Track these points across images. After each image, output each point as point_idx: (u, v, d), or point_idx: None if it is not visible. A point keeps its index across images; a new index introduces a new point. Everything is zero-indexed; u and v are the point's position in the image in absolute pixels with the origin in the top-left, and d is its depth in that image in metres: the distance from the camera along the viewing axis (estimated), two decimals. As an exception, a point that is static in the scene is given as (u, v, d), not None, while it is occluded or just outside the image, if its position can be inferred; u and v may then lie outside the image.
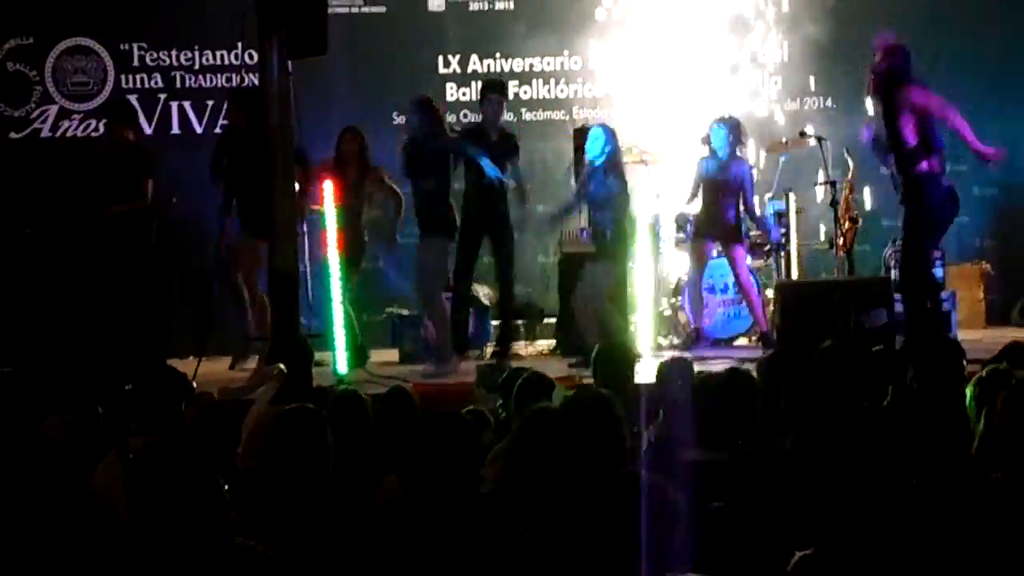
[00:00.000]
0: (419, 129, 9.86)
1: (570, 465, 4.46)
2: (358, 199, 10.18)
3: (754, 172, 10.59)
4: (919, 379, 5.51)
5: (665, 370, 6.58)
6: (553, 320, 11.06)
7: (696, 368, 6.75)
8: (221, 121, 11.52)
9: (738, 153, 10.35)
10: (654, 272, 10.38)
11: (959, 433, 4.86)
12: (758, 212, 10.67)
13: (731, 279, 10.66)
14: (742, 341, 10.74)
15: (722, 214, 10.32)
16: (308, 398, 5.85)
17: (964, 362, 5.72)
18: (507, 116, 11.70)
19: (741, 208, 10.36)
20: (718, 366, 7.37)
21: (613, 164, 9.89)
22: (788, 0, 11.99)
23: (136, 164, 10.00)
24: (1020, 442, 3.99)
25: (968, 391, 4.93)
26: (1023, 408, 4.12)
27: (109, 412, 5.96)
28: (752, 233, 10.99)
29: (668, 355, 8.16)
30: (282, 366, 6.76)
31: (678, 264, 11.07)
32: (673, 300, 10.94)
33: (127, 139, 10.20)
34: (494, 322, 10.88)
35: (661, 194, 10.96)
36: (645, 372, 7.58)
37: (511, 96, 11.95)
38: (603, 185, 9.87)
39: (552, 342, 10.96)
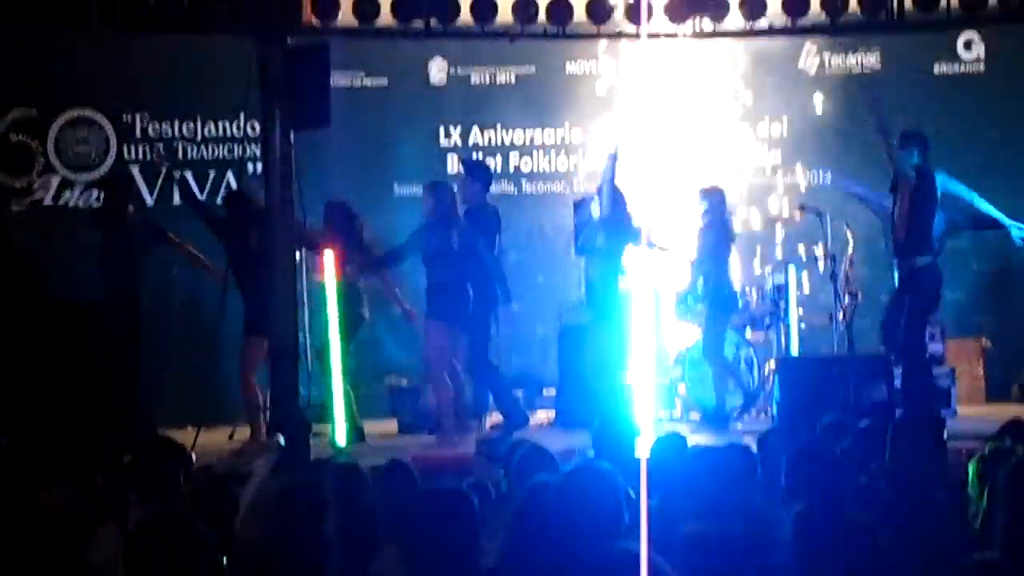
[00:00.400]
0: (432, 215, 9.87)
1: (570, 539, 4.44)
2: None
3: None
4: (895, 454, 5.49)
5: (660, 445, 6.56)
6: (552, 391, 11.04)
7: (698, 441, 6.73)
8: (223, 192, 11.57)
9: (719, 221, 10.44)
10: (654, 343, 10.39)
11: (942, 509, 4.84)
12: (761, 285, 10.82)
13: (730, 352, 10.68)
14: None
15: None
16: (306, 470, 5.82)
17: (944, 436, 5.71)
18: (508, 187, 11.83)
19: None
20: (718, 441, 7.35)
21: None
22: (788, 76, 12.07)
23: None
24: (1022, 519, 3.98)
25: (970, 468, 4.92)
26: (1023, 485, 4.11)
27: (108, 483, 5.94)
28: (752, 307, 11.03)
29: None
30: (281, 437, 6.75)
31: (678, 335, 11.07)
32: (674, 373, 10.93)
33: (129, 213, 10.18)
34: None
35: (660, 264, 11.00)
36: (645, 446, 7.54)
37: (512, 168, 12.04)
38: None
39: (551, 413, 10.94)
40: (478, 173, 10.41)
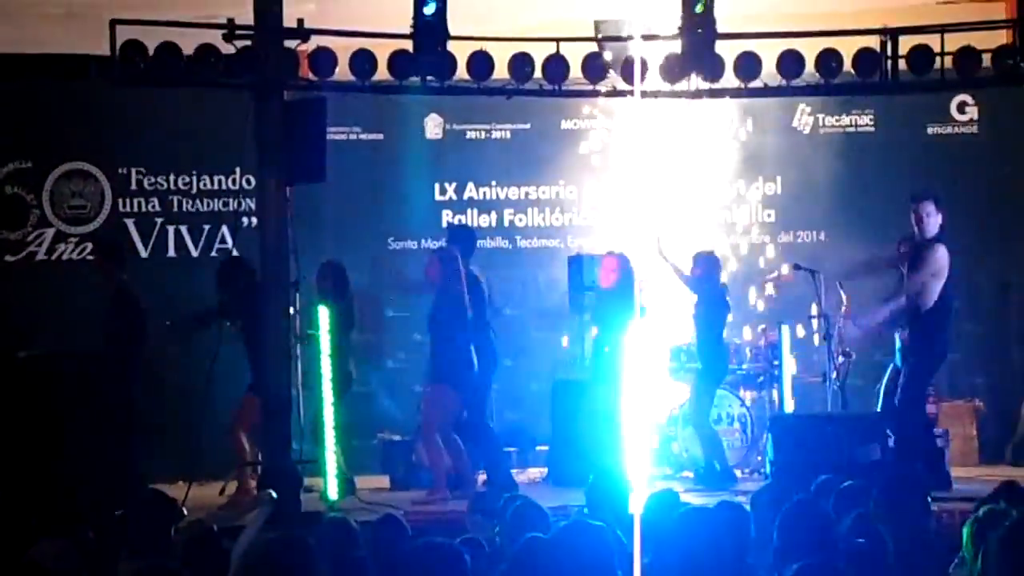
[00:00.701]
0: (440, 279, 9.89)
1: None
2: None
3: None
4: (878, 513, 5.46)
5: (652, 503, 6.54)
6: (545, 448, 11.00)
7: (690, 500, 6.71)
8: (218, 245, 11.58)
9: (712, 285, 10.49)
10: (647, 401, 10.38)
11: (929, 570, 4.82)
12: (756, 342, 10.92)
13: (724, 410, 10.71)
14: (735, 473, 10.69)
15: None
16: (297, 524, 5.80)
17: (928, 498, 5.69)
18: (503, 243, 11.86)
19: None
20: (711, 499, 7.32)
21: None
22: (783, 136, 12.13)
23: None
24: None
25: (965, 531, 4.89)
26: (1018, 548, 4.09)
27: (99, 537, 5.91)
28: (745, 366, 11.03)
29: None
30: (272, 492, 6.71)
31: (671, 394, 11.07)
32: (668, 430, 10.91)
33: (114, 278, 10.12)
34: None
35: (652, 321, 11.01)
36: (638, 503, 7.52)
37: (507, 223, 12.07)
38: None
39: (544, 470, 10.90)
40: (463, 236, 10.41)
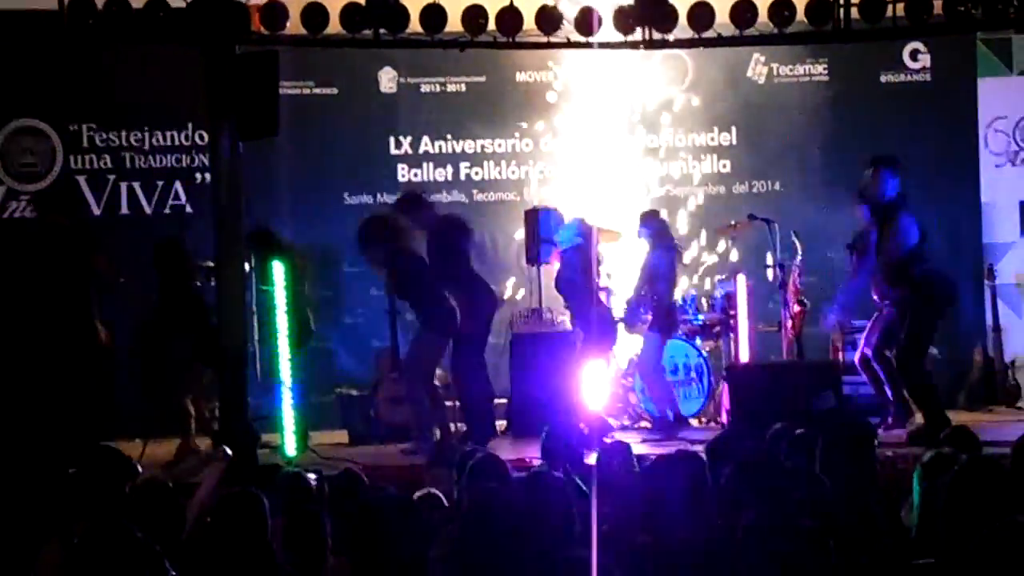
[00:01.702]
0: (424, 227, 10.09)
1: (519, 547, 4.43)
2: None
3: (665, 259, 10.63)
4: (825, 463, 5.50)
5: (606, 454, 6.57)
6: (504, 401, 11.02)
7: (650, 451, 6.75)
8: (171, 202, 11.50)
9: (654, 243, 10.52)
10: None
11: (877, 516, 4.86)
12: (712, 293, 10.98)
13: (681, 360, 10.76)
14: (693, 422, 10.76)
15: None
16: (254, 481, 5.79)
17: (874, 444, 5.73)
18: (459, 197, 11.83)
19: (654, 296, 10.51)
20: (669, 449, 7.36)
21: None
22: (736, 86, 12.13)
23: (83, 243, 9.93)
24: (962, 526, 4.00)
25: (915, 475, 4.93)
26: (964, 493, 4.14)
27: (52, 496, 5.88)
28: (701, 316, 11.08)
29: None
30: (227, 448, 6.70)
31: (626, 345, 11.11)
32: (624, 380, 10.95)
33: (62, 224, 10.05)
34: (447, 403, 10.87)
35: (611, 274, 11.05)
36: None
37: (463, 177, 12.04)
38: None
39: (503, 423, 10.92)
40: (418, 202, 10.40)
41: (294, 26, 9.22)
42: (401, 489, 6.04)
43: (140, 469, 5.83)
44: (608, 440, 7.95)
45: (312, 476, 6.31)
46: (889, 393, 9.95)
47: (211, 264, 9.48)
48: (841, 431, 5.39)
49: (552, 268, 10.86)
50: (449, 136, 12.11)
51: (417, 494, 5.90)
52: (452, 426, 10.25)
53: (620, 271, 11.14)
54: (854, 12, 9.43)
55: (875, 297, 9.92)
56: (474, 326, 10.12)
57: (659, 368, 10.56)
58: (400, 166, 12.07)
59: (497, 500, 4.74)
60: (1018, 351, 11.96)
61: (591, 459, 6.90)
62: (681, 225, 11.98)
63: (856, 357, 10.08)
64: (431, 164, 12.09)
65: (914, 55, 12.16)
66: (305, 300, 10.16)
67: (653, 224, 10.62)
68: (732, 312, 11.00)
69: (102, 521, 4.34)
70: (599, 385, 10.20)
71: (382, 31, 9.21)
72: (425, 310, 9.97)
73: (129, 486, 5.44)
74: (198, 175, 11.46)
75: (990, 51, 12.13)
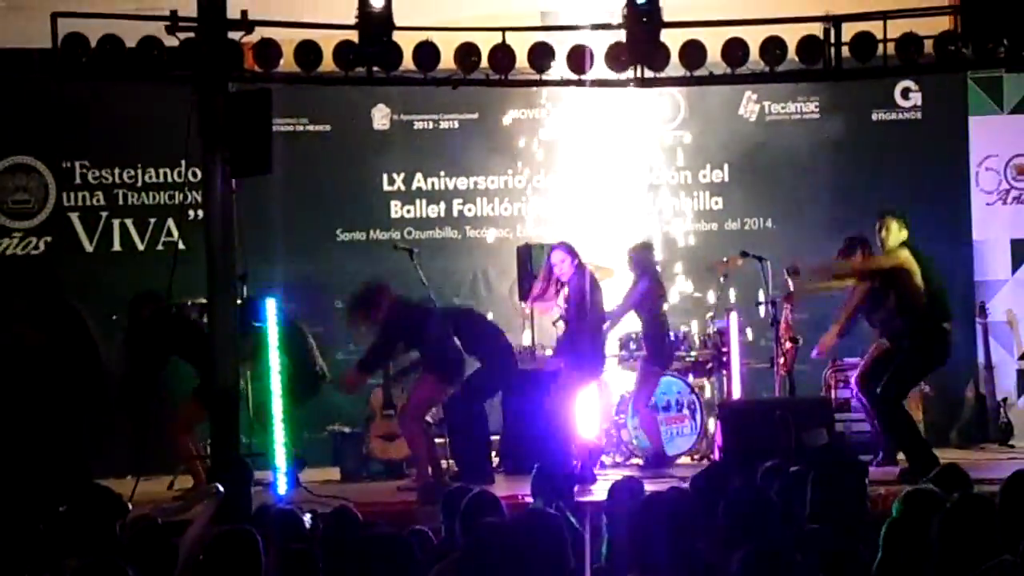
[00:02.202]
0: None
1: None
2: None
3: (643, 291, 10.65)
4: (815, 500, 5.50)
5: (615, 491, 6.55)
6: (496, 438, 11.00)
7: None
8: (164, 239, 11.52)
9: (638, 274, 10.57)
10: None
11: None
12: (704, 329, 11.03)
13: (673, 397, 10.78)
14: (685, 460, 10.75)
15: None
16: (246, 518, 5.78)
17: (865, 482, 5.74)
18: (452, 233, 11.85)
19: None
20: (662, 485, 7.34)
21: None
22: (728, 124, 12.18)
23: None
24: (952, 564, 4.01)
25: (894, 507, 4.92)
26: (955, 531, 4.14)
27: (43, 533, 5.86)
28: (694, 353, 11.09)
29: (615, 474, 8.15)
30: (219, 485, 6.68)
31: (619, 380, 11.12)
32: (617, 417, 10.95)
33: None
34: (438, 440, 10.85)
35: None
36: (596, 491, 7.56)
37: (456, 213, 12.07)
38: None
39: (495, 460, 10.89)
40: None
41: (287, 63, 9.26)
42: (392, 526, 6.03)
43: (131, 507, 5.82)
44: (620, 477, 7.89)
45: (307, 516, 6.29)
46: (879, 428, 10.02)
47: (203, 301, 9.48)
48: (831, 468, 5.39)
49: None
50: (442, 173, 12.15)
51: (407, 531, 5.88)
52: (444, 463, 10.23)
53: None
54: (845, 51, 9.49)
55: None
56: (492, 383, 10.18)
57: (650, 402, 10.57)
58: (393, 202, 12.09)
59: (494, 538, 4.73)
60: (1010, 389, 11.98)
61: (586, 496, 6.90)
62: (674, 262, 12.00)
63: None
64: (424, 201, 12.12)
65: (905, 93, 12.22)
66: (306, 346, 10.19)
67: (636, 255, 10.63)
68: (724, 349, 11.01)
69: (93, 559, 4.33)
70: (590, 415, 10.19)
71: (375, 69, 9.25)
72: (429, 354, 9.97)
73: (120, 524, 5.43)
74: (191, 212, 11.47)
75: (981, 90, 12.19)
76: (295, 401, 9.75)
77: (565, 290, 10.12)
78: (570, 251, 10.13)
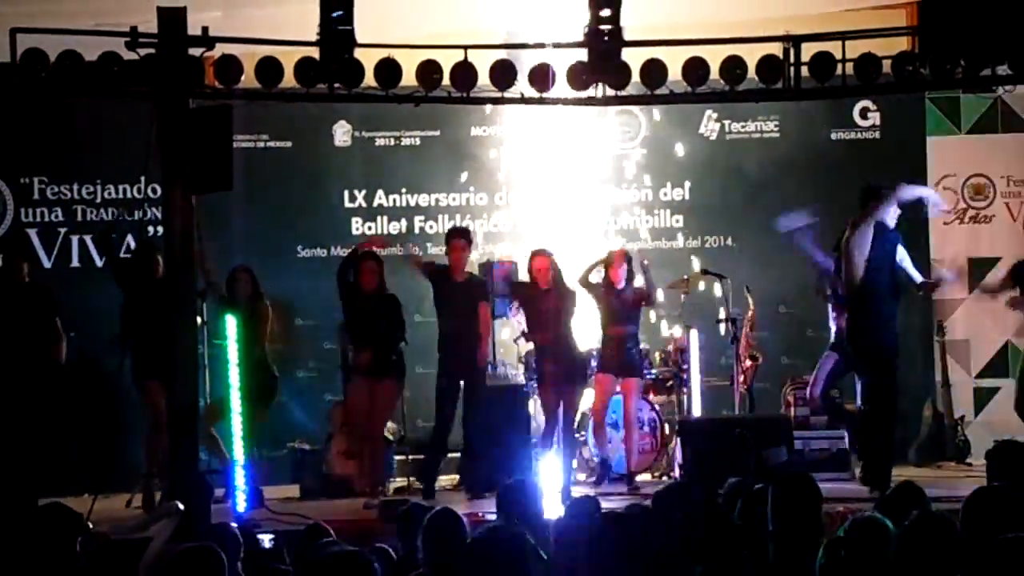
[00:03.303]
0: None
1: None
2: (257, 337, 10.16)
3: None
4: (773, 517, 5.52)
5: (574, 509, 6.54)
6: (457, 455, 10.98)
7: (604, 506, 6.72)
8: (123, 255, 11.45)
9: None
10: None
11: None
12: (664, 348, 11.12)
13: (634, 415, 10.77)
14: (645, 476, 10.77)
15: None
16: (207, 536, 5.74)
17: (818, 498, 5.76)
18: (413, 251, 11.82)
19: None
20: (621, 502, 7.36)
21: None
22: (689, 143, 12.24)
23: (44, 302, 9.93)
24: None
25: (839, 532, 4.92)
26: (913, 549, 4.17)
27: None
28: (654, 370, 11.10)
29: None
30: (178, 503, 6.64)
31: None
32: (579, 435, 10.95)
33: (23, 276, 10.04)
34: (397, 457, 10.85)
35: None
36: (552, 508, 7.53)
37: (417, 230, 12.06)
38: None
39: (455, 477, 10.89)
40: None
41: (248, 80, 9.24)
42: (352, 543, 6.01)
43: (91, 525, 5.78)
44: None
45: (268, 537, 6.26)
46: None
47: None
48: (786, 486, 5.40)
49: (503, 322, 10.89)
50: (404, 190, 12.14)
51: (369, 548, 5.87)
52: (407, 480, 10.23)
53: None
54: (804, 71, 9.56)
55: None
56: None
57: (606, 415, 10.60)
58: (354, 219, 12.07)
59: (457, 554, 4.73)
60: (967, 407, 12.05)
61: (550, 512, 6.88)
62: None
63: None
64: (385, 218, 12.11)
65: (864, 113, 12.31)
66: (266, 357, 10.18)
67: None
68: (684, 366, 11.04)
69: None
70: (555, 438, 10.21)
71: (336, 85, 9.25)
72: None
73: (78, 543, 5.38)
74: (150, 228, 11.42)
75: (939, 110, 12.30)
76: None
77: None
78: (550, 257, 10.22)
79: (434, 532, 5.64)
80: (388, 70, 9.25)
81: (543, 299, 10.28)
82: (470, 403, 10.38)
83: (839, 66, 9.48)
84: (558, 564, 5.48)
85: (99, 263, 11.49)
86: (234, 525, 6.53)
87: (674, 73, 9.55)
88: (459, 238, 10.51)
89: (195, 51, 8.87)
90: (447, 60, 9.44)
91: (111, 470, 9.87)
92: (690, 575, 5.04)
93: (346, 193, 12.09)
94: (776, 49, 9.62)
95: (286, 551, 6.10)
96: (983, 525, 4.29)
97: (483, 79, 9.49)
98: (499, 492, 6.77)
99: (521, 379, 10.82)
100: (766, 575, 4.69)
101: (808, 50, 9.54)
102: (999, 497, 4.27)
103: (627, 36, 9.43)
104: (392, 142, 12.12)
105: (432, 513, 5.89)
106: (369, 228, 12.05)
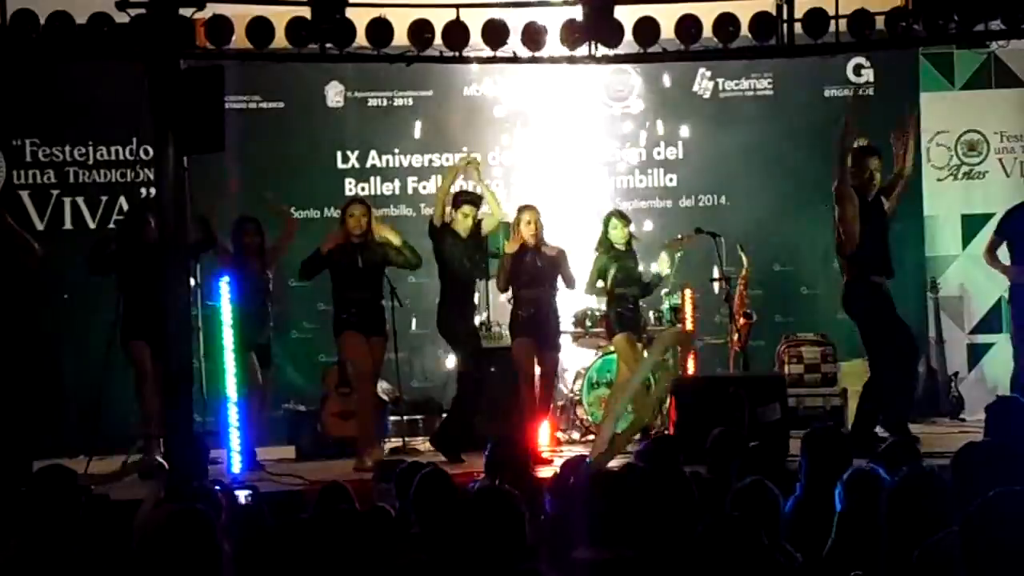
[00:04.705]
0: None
1: (471, 560, 4.44)
2: (263, 290, 10.18)
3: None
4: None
5: (566, 469, 6.57)
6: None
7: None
8: (115, 217, 11.43)
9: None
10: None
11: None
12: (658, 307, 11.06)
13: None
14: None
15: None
16: (200, 498, 5.75)
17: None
18: (407, 211, 11.81)
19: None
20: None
21: None
22: (682, 101, 12.22)
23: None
24: (901, 538, 4.05)
25: (836, 492, 4.95)
26: (904, 505, 4.19)
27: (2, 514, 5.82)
28: (649, 328, 11.11)
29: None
30: (163, 461, 6.65)
31: (574, 357, 11.15)
32: (570, 393, 10.98)
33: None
34: (392, 417, 10.86)
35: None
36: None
37: (410, 191, 12.05)
38: None
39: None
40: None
41: (240, 40, 9.20)
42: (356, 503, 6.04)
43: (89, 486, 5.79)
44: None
45: (245, 493, 6.25)
46: None
47: None
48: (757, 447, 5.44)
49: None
50: (396, 150, 12.12)
51: (368, 508, 5.89)
52: (402, 440, 10.24)
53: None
54: (798, 27, 9.51)
55: None
56: None
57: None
58: (347, 180, 12.06)
59: (451, 514, 4.75)
60: (961, 363, 12.09)
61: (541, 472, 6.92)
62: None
63: None
64: (378, 178, 12.09)
65: (857, 70, 12.28)
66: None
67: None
68: (679, 325, 11.03)
69: (47, 538, 4.31)
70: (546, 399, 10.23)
71: (328, 45, 9.20)
72: None
73: (76, 503, 5.40)
74: (143, 190, 11.40)
75: (932, 66, 12.27)
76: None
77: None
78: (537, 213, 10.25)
79: (425, 493, 5.67)
80: (380, 30, 9.21)
81: (531, 256, 10.26)
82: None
83: (832, 22, 9.44)
84: (551, 523, 5.50)
85: (92, 225, 11.49)
86: (217, 488, 6.53)
87: (667, 31, 9.51)
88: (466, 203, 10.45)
89: (186, 11, 8.82)
90: (439, 19, 9.39)
91: (107, 431, 9.87)
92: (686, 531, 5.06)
93: (339, 154, 12.07)
94: (769, 5, 9.58)
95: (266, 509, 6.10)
96: (973, 480, 4.31)
97: (475, 38, 9.45)
98: (487, 452, 6.80)
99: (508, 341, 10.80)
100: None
101: (801, 6, 9.50)
102: (989, 452, 4.28)
103: (619, -7, 9.39)
104: (385, 102, 12.09)
105: (421, 474, 5.92)
106: (363, 189, 12.03)
